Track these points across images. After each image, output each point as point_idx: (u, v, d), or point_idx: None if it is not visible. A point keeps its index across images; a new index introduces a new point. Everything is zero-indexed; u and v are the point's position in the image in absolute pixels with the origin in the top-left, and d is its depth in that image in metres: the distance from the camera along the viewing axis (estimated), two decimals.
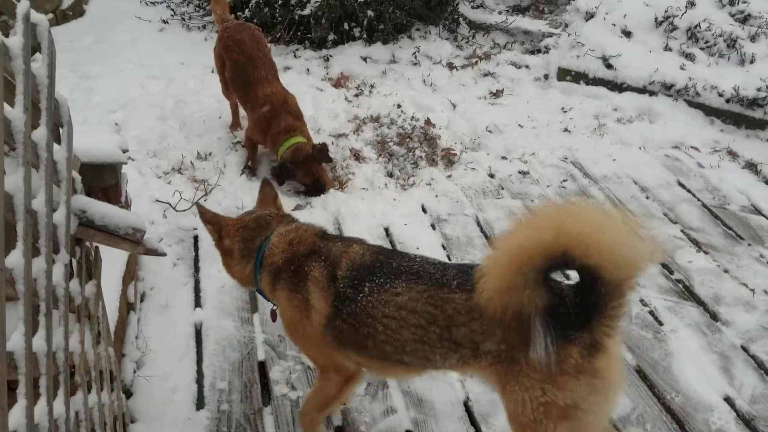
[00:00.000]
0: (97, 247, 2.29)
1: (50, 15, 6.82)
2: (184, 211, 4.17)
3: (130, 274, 3.30)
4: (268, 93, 4.55)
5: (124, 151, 3.22)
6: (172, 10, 7.20)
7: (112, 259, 3.06)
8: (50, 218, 1.78)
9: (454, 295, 2.06)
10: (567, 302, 1.93)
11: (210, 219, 2.50)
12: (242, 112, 5.02)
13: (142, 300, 3.43)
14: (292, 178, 4.45)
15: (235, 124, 5.14)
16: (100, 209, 2.05)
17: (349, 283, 2.21)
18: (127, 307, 3.19)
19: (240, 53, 4.63)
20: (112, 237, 2.07)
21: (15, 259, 1.52)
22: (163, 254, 2.24)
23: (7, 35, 1.66)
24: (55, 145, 1.96)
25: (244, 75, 4.60)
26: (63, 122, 1.99)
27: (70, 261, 2.12)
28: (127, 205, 3.51)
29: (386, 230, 4.13)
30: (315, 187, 4.45)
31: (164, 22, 6.97)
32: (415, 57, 6.44)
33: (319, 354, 2.42)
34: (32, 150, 1.71)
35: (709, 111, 5.50)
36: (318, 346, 2.36)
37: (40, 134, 1.77)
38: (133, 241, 2.08)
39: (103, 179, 3.18)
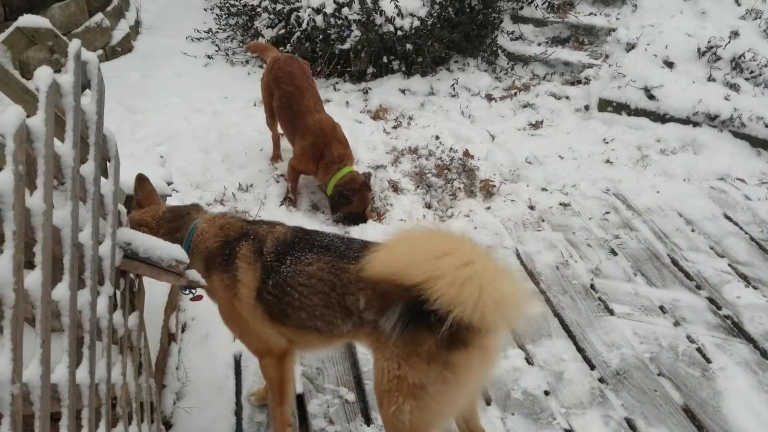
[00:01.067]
0: (140, 279, 2.33)
1: (100, 51, 7.05)
2: None
3: (172, 305, 3.34)
4: (317, 120, 4.59)
5: (169, 183, 3.29)
6: (217, 45, 7.38)
7: (155, 290, 3.11)
8: (96, 251, 1.82)
9: (349, 266, 2.29)
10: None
11: (139, 221, 2.55)
12: (284, 144, 5.10)
13: (183, 330, 3.47)
14: (347, 206, 4.46)
15: (275, 157, 5.21)
16: (145, 241, 2.09)
17: (274, 258, 2.41)
18: (168, 338, 3.22)
19: (290, 84, 4.71)
20: (155, 269, 2.11)
21: (61, 291, 1.55)
22: (205, 286, 2.26)
23: (59, 72, 1.72)
24: (102, 179, 2.01)
25: (293, 104, 4.66)
26: (110, 156, 2.05)
27: (114, 292, 2.16)
28: None
29: None
30: (359, 216, 4.49)
31: (209, 57, 7.15)
32: (454, 89, 6.47)
33: (253, 335, 2.57)
34: (80, 184, 1.76)
35: (755, 142, 5.37)
36: (251, 325, 2.51)
37: (88, 169, 1.82)
38: (175, 273, 2.11)
39: None
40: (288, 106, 4.69)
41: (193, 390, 3.10)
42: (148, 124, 5.76)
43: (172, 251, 2.08)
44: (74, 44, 1.76)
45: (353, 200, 4.40)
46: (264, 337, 2.54)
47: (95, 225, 1.81)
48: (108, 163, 2.06)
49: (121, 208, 2.15)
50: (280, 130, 5.07)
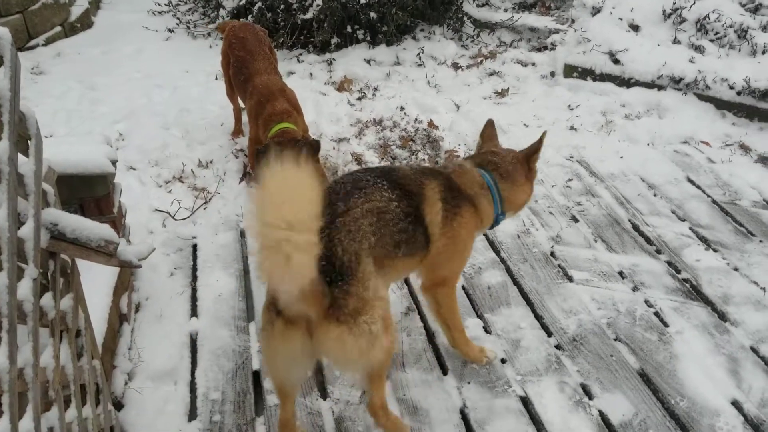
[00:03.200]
0: (73, 260, 2.27)
1: (58, 28, 6.88)
2: (183, 219, 4.16)
3: (124, 285, 3.28)
4: (265, 79, 4.42)
5: (114, 162, 3.21)
6: (178, 18, 7.23)
7: (104, 270, 3.05)
8: (13, 232, 1.76)
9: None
10: None
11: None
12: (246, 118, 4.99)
13: (137, 311, 3.41)
14: None
15: (236, 132, 5.11)
16: (72, 222, 2.03)
17: None
18: (119, 319, 3.17)
19: (241, 49, 4.62)
20: (84, 249, 2.05)
21: None
22: (138, 266, 2.20)
23: None
24: (23, 158, 1.94)
25: (245, 68, 4.55)
26: (30, 135, 1.97)
27: (46, 274, 2.10)
28: (121, 215, 3.51)
29: None
30: None
31: (170, 31, 7.00)
32: (420, 58, 6.38)
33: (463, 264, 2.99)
34: None
35: (720, 104, 5.36)
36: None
37: (2, 148, 1.75)
38: (105, 253, 2.05)
39: (94, 190, 3.17)
40: (239, 71, 4.59)
41: (146, 370, 3.05)
42: (107, 101, 5.65)
43: (101, 231, 2.02)
44: None
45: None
46: None
47: (12, 206, 1.75)
48: (29, 142, 1.98)
49: (48, 187, 2.08)
50: (241, 104, 4.97)
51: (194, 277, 3.72)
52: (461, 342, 3.08)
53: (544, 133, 2.96)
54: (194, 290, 3.63)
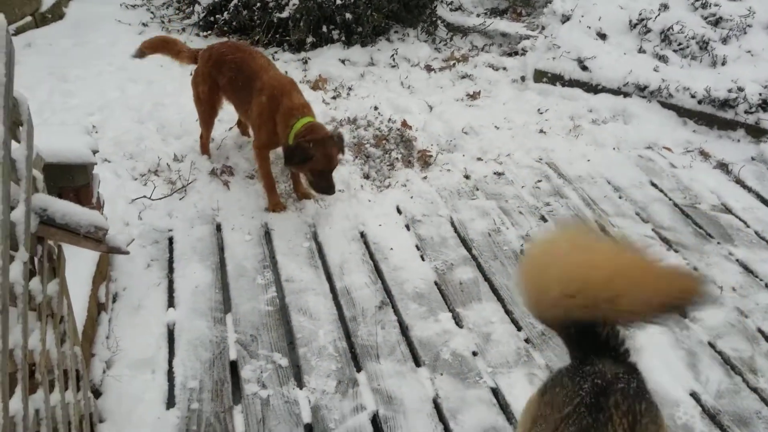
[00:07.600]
0: (59, 246, 2.30)
1: (29, 18, 6.80)
2: (159, 199, 4.19)
3: (102, 275, 3.30)
4: (273, 75, 4.18)
5: (95, 152, 3.23)
6: (152, 12, 7.20)
7: (82, 260, 3.07)
8: (7, 215, 1.79)
9: None
10: None
11: None
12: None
13: (114, 300, 3.43)
14: (305, 163, 3.88)
15: (205, 149, 4.86)
16: (62, 207, 2.06)
17: None
18: (97, 308, 3.19)
19: (236, 51, 4.39)
20: (73, 235, 2.09)
21: None
22: (126, 252, 2.25)
23: None
24: (15, 144, 1.97)
25: (244, 67, 4.23)
26: (22, 121, 2.00)
27: (32, 259, 2.13)
28: (99, 206, 3.52)
29: (361, 233, 4.15)
30: (324, 179, 3.98)
31: (144, 25, 6.97)
32: (393, 59, 6.48)
33: None
34: None
35: (681, 112, 5.57)
36: None
37: None
38: (94, 239, 2.09)
39: (74, 180, 3.19)
40: (239, 71, 4.25)
41: (124, 358, 3.08)
42: (80, 94, 5.61)
43: (90, 217, 2.06)
44: None
45: (314, 154, 3.82)
46: None
47: (6, 189, 1.78)
48: (20, 128, 2.01)
49: (37, 174, 2.11)
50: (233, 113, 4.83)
51: (171, 269, 3.75)
52: None
53: None
54: (171, 282, 3.65)
